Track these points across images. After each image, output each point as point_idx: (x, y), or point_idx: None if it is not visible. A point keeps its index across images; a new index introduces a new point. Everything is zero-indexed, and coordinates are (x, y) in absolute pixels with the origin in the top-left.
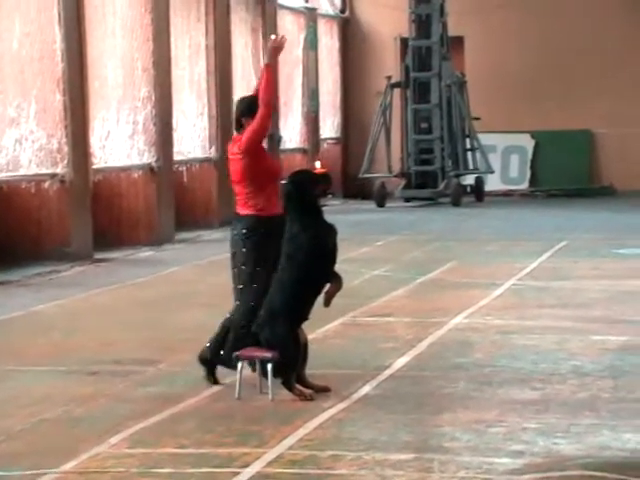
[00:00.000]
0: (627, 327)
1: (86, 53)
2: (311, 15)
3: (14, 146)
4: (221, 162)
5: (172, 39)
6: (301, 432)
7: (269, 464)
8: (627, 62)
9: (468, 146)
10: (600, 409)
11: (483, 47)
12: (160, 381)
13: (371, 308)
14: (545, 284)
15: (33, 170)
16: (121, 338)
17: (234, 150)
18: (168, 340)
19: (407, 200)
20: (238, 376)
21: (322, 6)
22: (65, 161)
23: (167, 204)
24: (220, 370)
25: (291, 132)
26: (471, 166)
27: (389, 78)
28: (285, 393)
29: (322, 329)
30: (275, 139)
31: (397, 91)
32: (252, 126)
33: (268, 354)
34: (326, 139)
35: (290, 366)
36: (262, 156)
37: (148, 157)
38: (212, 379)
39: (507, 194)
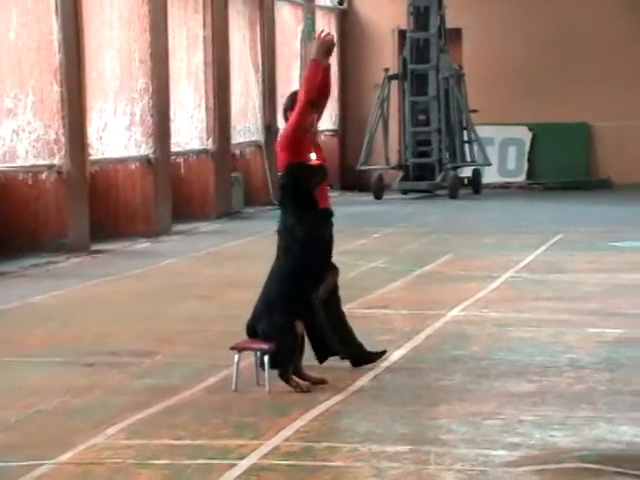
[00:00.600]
0: (623, 320)
1: (83, 44)
2: (309, 7)
3: (11, 137)
4: (218, 154)
5: (169, 30)
6: (297, 424)
7: (265, 456)
8: (626, 55)
9: (465, 138)
10: (596, 402)
11: (481, 39)
12: (157, 373)
13: (368, 300)
14: (542, 277)
15: (30, 161)
16: (118, 329)
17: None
18: (165, 332)
19: (404, 192)
20: (235, 368)
21: None
22: (62, 152)
23: (164, 196)
24: (220, 362)
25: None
26: (468, 158)
27: (387, 70)
28: (282, 385)
29: None
30: (272, 131)
31: (395, 83)
32: (289, 121)
33: (265, 346)
34: (323, 131)
35: (287, 358)
36: (300, 152)
37: (145, 149)
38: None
39: (504, 186)
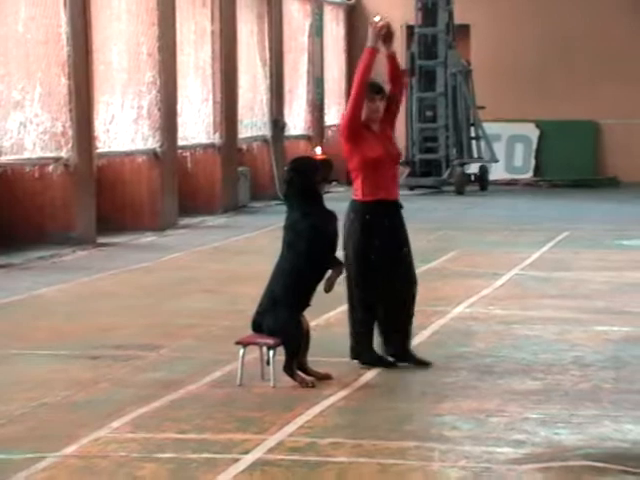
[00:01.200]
0: (629, 318)
1: (91, 37)
2: (317, 2)
3: (18, 129)
4: (225, 148)
5: (177, 24)
6: (302, 419)
7: (269, 451)
8: (634, 53)
9: (473, 135)
10: (601, 400)
11: (489, 36)
12: (162, 366)
13: None
14: (548, 274)
15: (37, 154)
16: (123, 323)
17: None
18: (170, 325)
19: (411, 188)
20: (240, 362)
21: None
22: (69, 145)
23: (171, 189)
24: (225, 357)
25: (296, 119)
26: (475, 155)
27: None
28: (286, 380)
29: (324, 316)
30: (279, 126)
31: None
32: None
33: (270, 340)
34: (330, 126)
35: (292, 352)
36: (360, 141)
37: (152, 142)
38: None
39: (511, 183)
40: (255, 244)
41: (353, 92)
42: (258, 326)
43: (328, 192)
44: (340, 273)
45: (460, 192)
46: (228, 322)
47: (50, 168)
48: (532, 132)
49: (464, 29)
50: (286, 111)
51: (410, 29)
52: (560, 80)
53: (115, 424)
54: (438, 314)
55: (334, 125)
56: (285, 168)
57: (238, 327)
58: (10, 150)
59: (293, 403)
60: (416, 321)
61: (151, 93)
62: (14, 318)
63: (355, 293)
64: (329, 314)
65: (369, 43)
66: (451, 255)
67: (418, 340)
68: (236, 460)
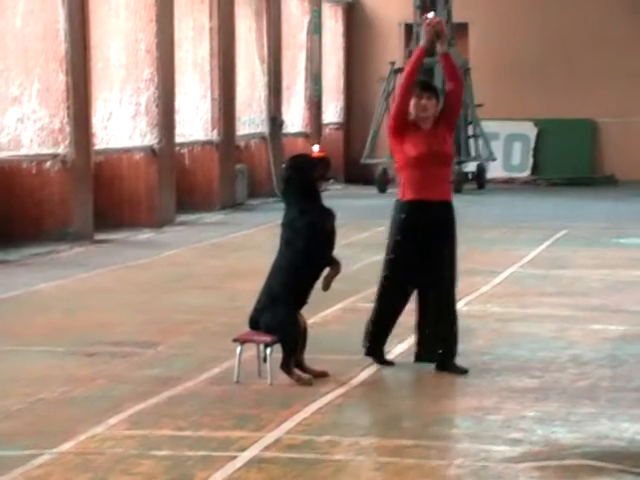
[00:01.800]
0: (626, 316)
1: (89, 33)
2: None
3: (16, 125)
4: (223, 145)
5: (176, 21)
6: (299, 417)
7: (266, 448)
8: (632, 52)
9: (470, 133)
10: (599, 398)
11: (487, 34)
12: (159, 363)
13: (371, 294)
14: (545, 272)
15: (35, 150)
16: (120, 319)
17: None
18: (167, 322)
19: None
20: (237, 360)
21: None
22: (67, 141)
23: (168, 186)
24: (223, 354)
25: (293, 116)
26: (473, 153)
27: (393, 64)
28: (284, 377)
29: (321, 314)
30: (277, 123)
31: (400, 77)
32: None
33: (267, 338)
34: (328, 124)
35: (289, 350)
36: (403, 139)
37: (150, 139)
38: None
39: (509, 182)
40: (253, 241)
41: (398, 89)
42: (255, 323)
43: (326, 190)
44: (338, 271)
45: (458, 190)
46: (226, 319)
47: (48, 164)
48: (530, 130)
49: (463, 27)
50: (284, 108)
51: (408, 27)
52: (558, 78)
53: (112, 421)
54: None
55: (332, 123)
56: (283, 165)
57: (236, 324)
58: (7, 146)
59: (290, 400)
60: (414, 319)
61: (149, 90)
62: (11, 314)
63: (382, 291)
64: (326, 311)
65: (421, 42)
66: None
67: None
68: (233, 457)
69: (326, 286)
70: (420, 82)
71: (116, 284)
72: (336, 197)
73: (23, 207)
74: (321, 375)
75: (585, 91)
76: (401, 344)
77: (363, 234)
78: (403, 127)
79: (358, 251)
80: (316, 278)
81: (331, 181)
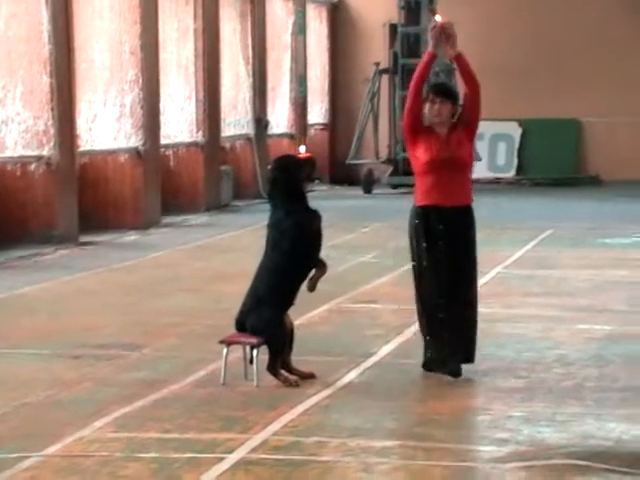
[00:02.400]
0: (612, 316)
1: (73, 35)
2: (300, 0)
3: (0, 127)
4: (208, 146)
5: (160, 22)
6: (286, 418)
7: (253, 450)
8: (617, 52)
9: None
10: (585, 398)
11: (472, 34)
12: (145, 366)
13: (357, 295)
14: (530, 272)
15: (19, 152)
16: (106, 322)
17: None
18: (153, 324)
19: (394, 187)
20: (223, 362)
21: None
22: (51, 143)
23: (153, 188)
24: (209, 356)
25: (279, 117)
26: None
27: (377, 64)
28: (270, 379)
29: (307, 315)
30: (262, 124)
31: (385, 77)
32: None
33: (253, 340)
34: (314, 125)
35: (276, 351)
36: (416, 144)
37: (135, 140)
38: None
39: (494, 182)
40: (238, 243)
41: (408, 90)
42: (242, 325)
43: (311, 190)
44: (324, 272)
45: None
46: (212, 321)
47: (32, 166)
48: (515, 131)
49: None
50: (269, 109)
51: (393, 28)
52: (543, 78)
53: (98, 423)
54: None
55: (317, 123)
56: (269, 166)
57: (222, 326)
58: None
59: (277, 402)
60: (400, 320)
61: (134, 91)
62: None
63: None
64: (313, 313)
65: (429, 47)
66: None
67: (402, 338)
68: (220, 459)
69: (312, 287)
70: (434, 86)
71: (101, 286)
72: (321, 198)
73: (7, 209)
74: (308, 376)
75: (570, 91)
76: (387, 345)
77: (349, 235)
78: (415, 131)
79: (344, 252)
80: (302, 279)
81: (316, 182)
